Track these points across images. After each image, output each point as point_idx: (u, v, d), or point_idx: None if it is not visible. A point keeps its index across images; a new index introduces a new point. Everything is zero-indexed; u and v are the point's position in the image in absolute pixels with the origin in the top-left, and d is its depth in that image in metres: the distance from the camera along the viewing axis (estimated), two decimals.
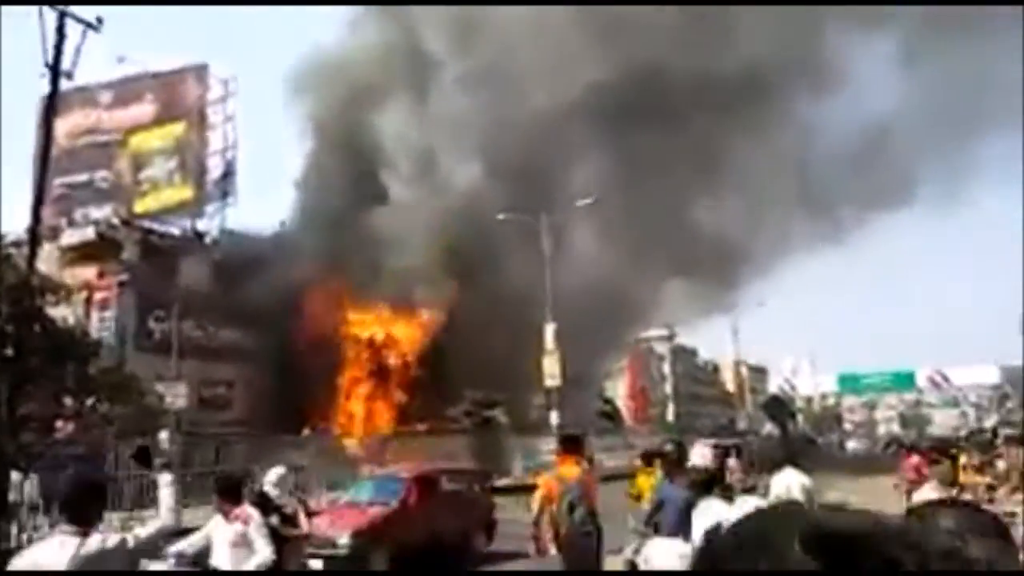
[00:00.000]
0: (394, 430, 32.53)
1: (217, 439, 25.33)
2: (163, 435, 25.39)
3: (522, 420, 47.48)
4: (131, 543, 3.61)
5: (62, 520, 3.67)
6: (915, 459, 9.91)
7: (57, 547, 3.45)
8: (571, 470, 5.86)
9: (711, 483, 4.78)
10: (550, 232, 28.53)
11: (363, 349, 36.44)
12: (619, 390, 64.62)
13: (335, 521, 11.28)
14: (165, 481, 4.22)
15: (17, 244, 19.10)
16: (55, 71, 14.39)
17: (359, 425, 34.94)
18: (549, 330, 27.96)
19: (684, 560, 4.62)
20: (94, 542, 3.45)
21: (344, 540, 10.40)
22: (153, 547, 4.12)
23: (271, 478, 6.99)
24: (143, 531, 3.87)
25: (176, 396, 27.75)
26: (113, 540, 3.57)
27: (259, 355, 31.11)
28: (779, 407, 55.14)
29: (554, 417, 28.98)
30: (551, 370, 28.24)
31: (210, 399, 31.87)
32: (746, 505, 4.65)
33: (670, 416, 68.16)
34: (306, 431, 29.35)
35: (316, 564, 9.62)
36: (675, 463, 5.87)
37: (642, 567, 4.95)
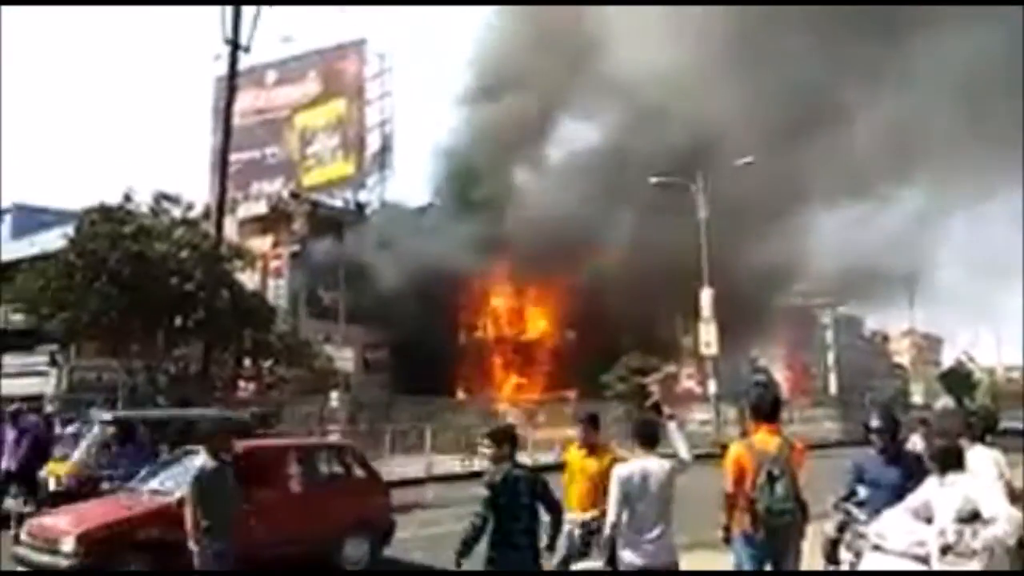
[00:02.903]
0: (542, 397, 32.82)
1: (382, 400, 26.53)
2: (333, 395, 26.96)
3: (671, 390, 46.62)
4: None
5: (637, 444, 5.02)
6: None
7: (655, 461, 4.89)
8: (767, 439, 5.21)
9: (955, 458, 4.23)
10: (705, 194, 27.39)
11: (513, 315, 36.93)
12: (776, 360, 61.96)
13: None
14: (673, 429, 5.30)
15: (188, 220, 20.38)
16: (235, 45, 15.25)
17: (509, 391, 35.56)
18: (705, 296, 26.97)
19: (924, 547, 4.15)
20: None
21: (68, 546, 7.09)
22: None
23: None
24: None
25: (344, 359, 29.34)
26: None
27: (414, 322, 32.19)
28: (958, 379, 50.82)
29: (712, 386, 28.10)
30: (707, 338, 27.32)
31: (373, 362, 33.44)
32: (955, 486, 4.13)
33: (832, 388, 64.57)
34: (461, 394, 30.19)
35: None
36: (890, 439, 5.32)
37: (872, 542, 4.47)
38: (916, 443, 5.77)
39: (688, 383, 50.75)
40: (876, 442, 5.25)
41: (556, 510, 5.03)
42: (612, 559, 4.90)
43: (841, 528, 5.29)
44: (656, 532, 4.82)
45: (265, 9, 16.09)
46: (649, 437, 5.06)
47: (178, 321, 17.04)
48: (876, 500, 5.03)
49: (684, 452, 5.14)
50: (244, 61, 18.30)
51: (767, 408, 5.45)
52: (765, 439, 5.22)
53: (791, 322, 53.17)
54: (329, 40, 41.14)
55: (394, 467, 17.42)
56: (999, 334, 70.51)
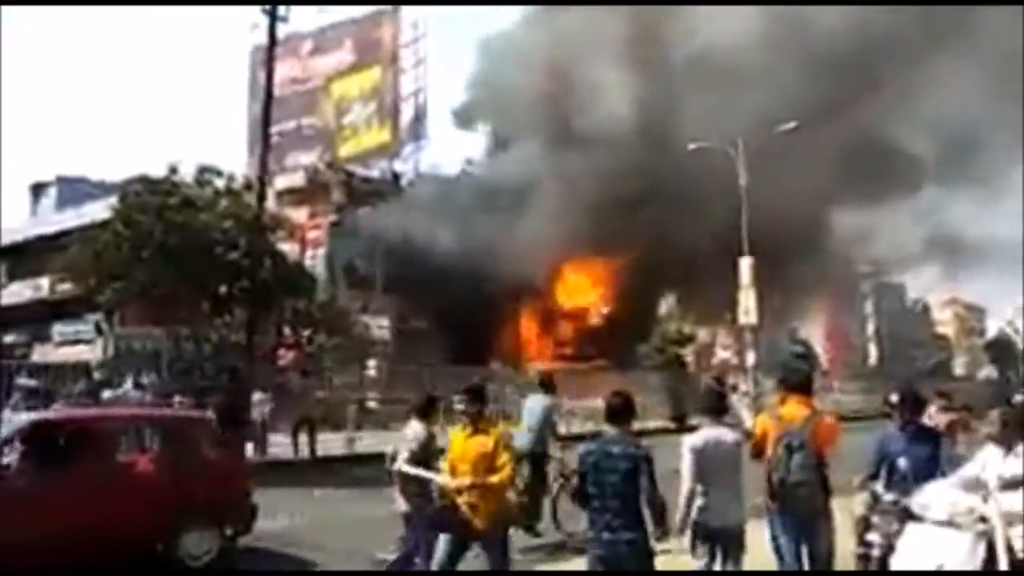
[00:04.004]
0: (572, 367, 32.85)
1: (419, 369, 26.76)
2: (371, 363, 27.31)
3: (707, 361, 46.33)
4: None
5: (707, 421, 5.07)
6: None
7: (725, 430, 4.96)
8: (796, 410, 5.14)
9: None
10: (746, 161, 26.87)
11: (550, 284, 36.88)
12: (816, 331, 61.18)
13: None
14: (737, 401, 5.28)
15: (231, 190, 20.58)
16: (273, 15, 15.29)
17: (545, 359, 35.65)
18: (745, 264, 26.50)
19: (971, 514, 4.10)
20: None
21: None
22: None
23: None
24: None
25: (381, 328, 29.68)
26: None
27: (449, 292, 32.34)
28: (1002, 350, 49.81)
29: (751, 357, 27.76)
30: (746, 306, 26.86)
31: (408, 332, 33.70)
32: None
33: (872, 359, 63.71)
34: (496, 364, 30.36)
35: None
36: (914, 413, 5.25)
37: (915, 512, 4.40)
38: (931, 415, 5.69)
39: (724, 354, 50.49)
40: (895, 417, 5.18)
41: (651, 493, 4.41)
42: (685, 528, 4.87)
43: (870, 507, 5.20)
44: (723, 494, 4.89)
45: None
46: (716, 407, 5.15)
47: (223, 290, 17.36)
48: (904, 475, 4.97)
49: (748, 421, 5.30)
50: (280, 31, 18.34)
51: (798, 379, 5.42)
52: (793, 410, 5.18)
53: (832, 291, 52.35)
54: (363, 9, 40.95)
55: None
56: None
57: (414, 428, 5.68)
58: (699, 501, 4.84)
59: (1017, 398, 6.03)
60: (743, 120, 27.99)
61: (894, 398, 5.24)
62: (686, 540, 4.94)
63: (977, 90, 32.52)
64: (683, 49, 32.05)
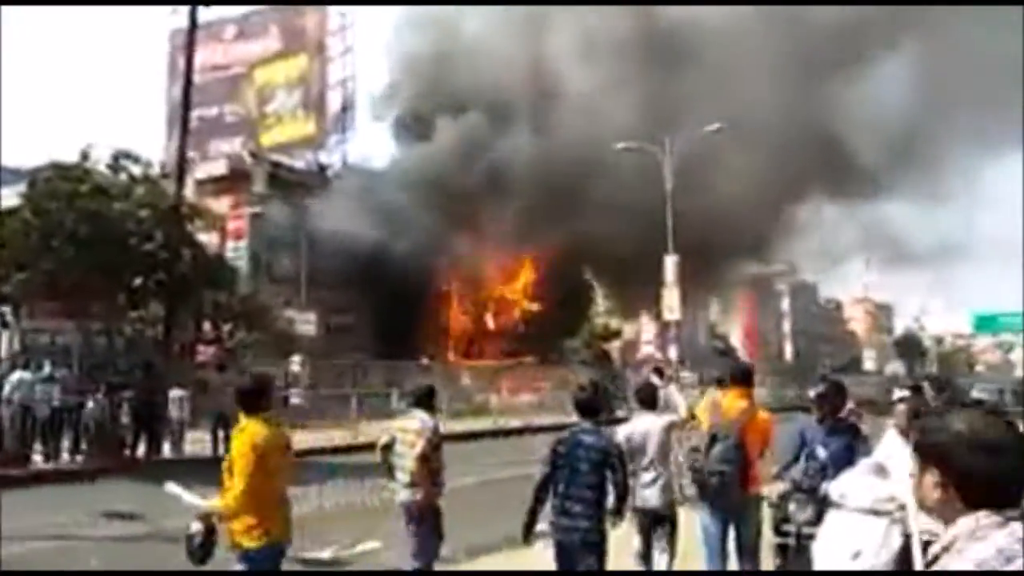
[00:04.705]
0: (502, 362, 32.98)
1: (346, 365, 26.35)
2: (295, 359, 26.70)
3: (632, 355, 47.20)
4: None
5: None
6: None
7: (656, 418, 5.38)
8: (734, 402, 5.26)
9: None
10: (672, 161, 27.42)
11: (477, 281, 36.87)
12: (734, 327, 63.13)
13: None
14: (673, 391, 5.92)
15: (148, 178, 19.77)
16: None
17: (473, 355, 35.67)
18: (670, 262, 27.13)
19: (891, 502, 4.25)
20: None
21: None
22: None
23: None
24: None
25: (306, 323, 29.02)
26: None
27: (377, 286, 31.93)
28: (909, 347, 52.38)
29: (673, 351, 28.46)
30: (670, 303, 27.51)
31: (336, 326, 33.12)
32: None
33: (788, 355, 66.11)
34: (425, 359, 30.17)
35: None
36: (834, 407, 5.42)
37: (834, 501, 4.52)
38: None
39: (648, 348, 51.61)
40: (815, 410, 5.35)
41: (622, 486, 4.68)
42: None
43: (783, 496, 5.36)
44: (650, 477, 5.33)
45: None
46: (648, 398, 5.60)
47: (138, 282, 16.64)
48: (823, 464, 5.11)
49: (683, 410, 5.58)
50: (202, 15, 17.72)
51: (740, 371, 5.59)
52: (732, 402, 5.31)
53: (749, 289, 54.04)
54: None
55: (359, 432, 17.45)
56: (948, 302, 72.47)
57: (422, 418, 5.56)
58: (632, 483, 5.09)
59: (927, 392, 6.28)
60: (679, 115, 28.28)
61: (817, 390, 5.39)
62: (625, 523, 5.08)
63: (922, 91, 32.87)
64: (624, 34, 32.07)
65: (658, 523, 5.35)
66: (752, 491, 5.20)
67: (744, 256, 39.54)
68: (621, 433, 5.32)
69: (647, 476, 5.32)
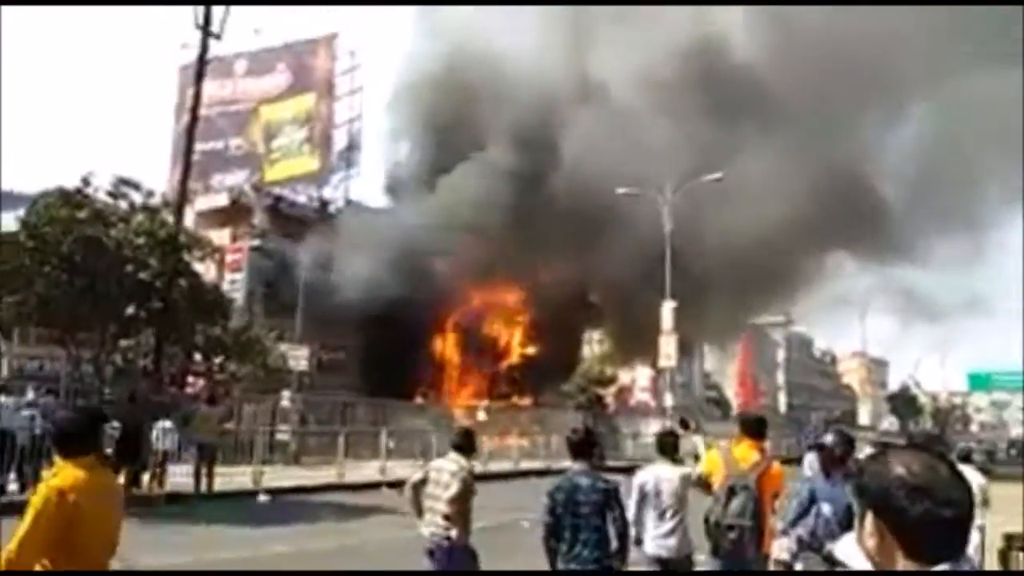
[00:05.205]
0: (496, 403, 32.67)
1: (336, 403, 26.07)
2: (285, 394, 26.43)
3: (626, 402, 46.83)
4: None
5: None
6: None
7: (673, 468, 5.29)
8: (747, 453, 5.19)
9: None
10: (671, 207, 27.49)
11: (473, 322, 36.76)
12: (728, 376, 62.85)
13: None
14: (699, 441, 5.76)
15: (148, 207, 19.74)
16: (206, 31, 14.88)
17: (467, 395, 35.38)
18: (667, 308, 27.02)
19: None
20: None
21: None
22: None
23: None
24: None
25: (298, 359, 28.79)
26: None
27: (372, 323, 31.80)
28: (904, 402, 52.12)
29: (668, 399, 28.21)
30: (667, 350, 27.34)
31: (328, 363, 32.90)
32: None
33: (781, 406, 65.71)
34: (418, 399, 29.90)
35: None
36: (838, 458, 5.30)
37: (842, 560, 4.37)
38: (813, 463, 5.90)
39: (642, 395, 51.27)
40: (821, 460, 5.24)
41: (621, 524, 4.68)
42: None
43: (794, 554, 5.21)
44: (667, 527, 5.23)
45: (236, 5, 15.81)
46: (668, 446, 5.55)
47: (131, 310, 16.49)
48: (828, 521, 4.98)
49: (703, 466, 5.53)
50: (213, 50, 17.90)
51: (753, 423, 5.49)
52: (745, 453, 5.20)
53: (744, 339, 53.90)
54: (300, 34, 40.63)
55: (346, 471, 17.15)
56: (943, 359, 72.32)
57: (458, 460, 5.52)
58: (647, 532, 5.15)
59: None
60: (690, 158, 28.07)
61: (828, 439, 5.29)
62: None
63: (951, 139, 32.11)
64: (624, 79, 32.31)
65: (673, 572, 5.28)
66: (766, 549, 5.05)
67: (749, 305, 39.26)
68: (637, 479, 5.29)
69: (664, 526, 5.23)
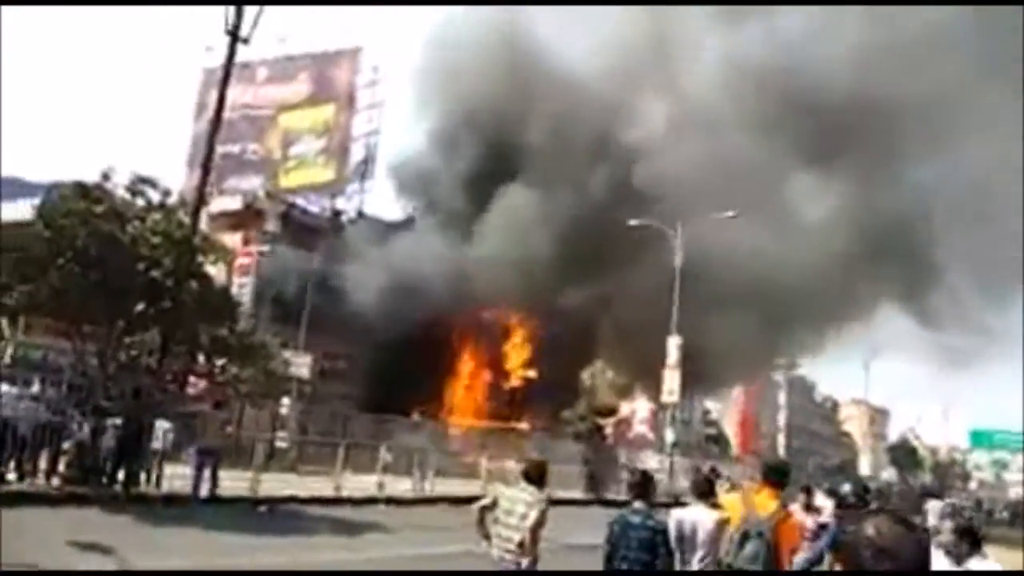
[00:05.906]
0: (491, 426, 32.45)
1: (337, 413, 25.95)
2: (285, 401, 26.32)
3: (624, 435, 46.43)
4: None
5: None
6: None
7: (710, 512, 5.17)
8: (767, 501, 5.16)
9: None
10: (682, 243, 27.46)
11: (479, 343, 36.65)
12: (728, 415, 62.49)
13: None
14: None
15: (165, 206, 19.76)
16: (235, 35, 14.95)
17: (466, 415, 35.18)
18: (673, 344, 26.93)
19: None
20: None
21: None
22: None
23: None
24: None
25: (300, 366, 28.69)
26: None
27: (376, 335, 31.73)
28: (904, 454, 51.68)
29: (669, 435, 28.01)
30: (671, 386, 27.20)
31: (330, 371, 32.81)
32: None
33: (780, 449, 65.20)
34: (415, 415, 29.71)
35: None
36: (855, 508, 5.25)
37: None
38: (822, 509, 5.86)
39: (640, 428, 50.90)
40: (838, 510, 5.20)
41: (667, 561, 4.92)
42: None
43: None
44: (699, 568, 5.17)
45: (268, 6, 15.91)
46: (704, 490, 5.55)
47: (140, 307, 16.43)
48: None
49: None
50: (239, 55, 17.99)
51: (775, 470, 5.47)
52: (764, 500, 5.16)
53: (749, 379, 53.54)
54: (324, 45, 40.96)
55: (343, 483, 17.00)
56: (946, 413, 71.79)
57: (534, 493, 5.59)
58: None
59: (933, 503, 6.05)
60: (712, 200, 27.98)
61: (845, 489, 5.27)
62: None
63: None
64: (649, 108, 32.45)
65: None
66: None
67: (751, 345, 39.00)
68: (673, 518, 5.34)
69: (695, 566, 5.20)
